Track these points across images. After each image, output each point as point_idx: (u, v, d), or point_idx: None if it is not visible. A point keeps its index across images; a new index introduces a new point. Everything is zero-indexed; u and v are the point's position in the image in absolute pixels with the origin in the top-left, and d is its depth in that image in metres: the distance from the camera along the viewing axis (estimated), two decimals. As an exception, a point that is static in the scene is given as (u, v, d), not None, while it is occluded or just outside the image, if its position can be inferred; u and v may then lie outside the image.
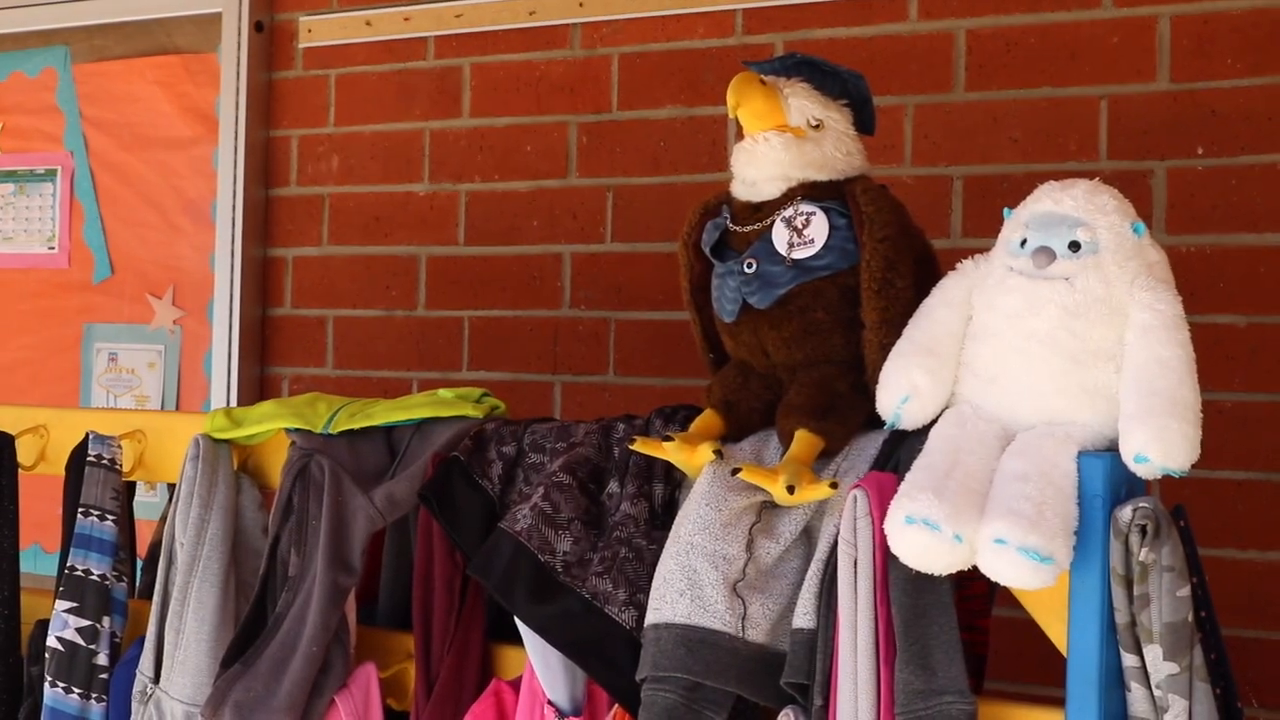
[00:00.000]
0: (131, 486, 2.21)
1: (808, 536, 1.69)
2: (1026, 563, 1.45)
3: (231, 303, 3.50)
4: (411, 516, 1.99)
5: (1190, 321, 1.58)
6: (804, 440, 1.67)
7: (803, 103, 1.78)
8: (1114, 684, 1.54)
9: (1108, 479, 1.53)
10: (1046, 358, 1.57)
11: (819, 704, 1.58)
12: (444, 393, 2.04)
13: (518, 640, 1.82)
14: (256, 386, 3.50)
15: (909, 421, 1.64)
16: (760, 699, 1.64)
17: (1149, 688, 1.52)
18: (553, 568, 1.76)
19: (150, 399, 3.64)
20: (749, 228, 1.78)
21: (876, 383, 1.67)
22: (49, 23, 3.79)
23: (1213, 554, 2.51)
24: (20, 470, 2.22)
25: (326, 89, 3.49)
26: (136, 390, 3.66)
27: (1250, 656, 2.51)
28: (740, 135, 1.82)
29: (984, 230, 2.71)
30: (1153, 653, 1.50)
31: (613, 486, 1.85)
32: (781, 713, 1.62)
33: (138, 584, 2.30)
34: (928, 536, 1.48)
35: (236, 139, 3.51)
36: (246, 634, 1.93)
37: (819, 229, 1.73)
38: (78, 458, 2.14)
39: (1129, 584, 1.51)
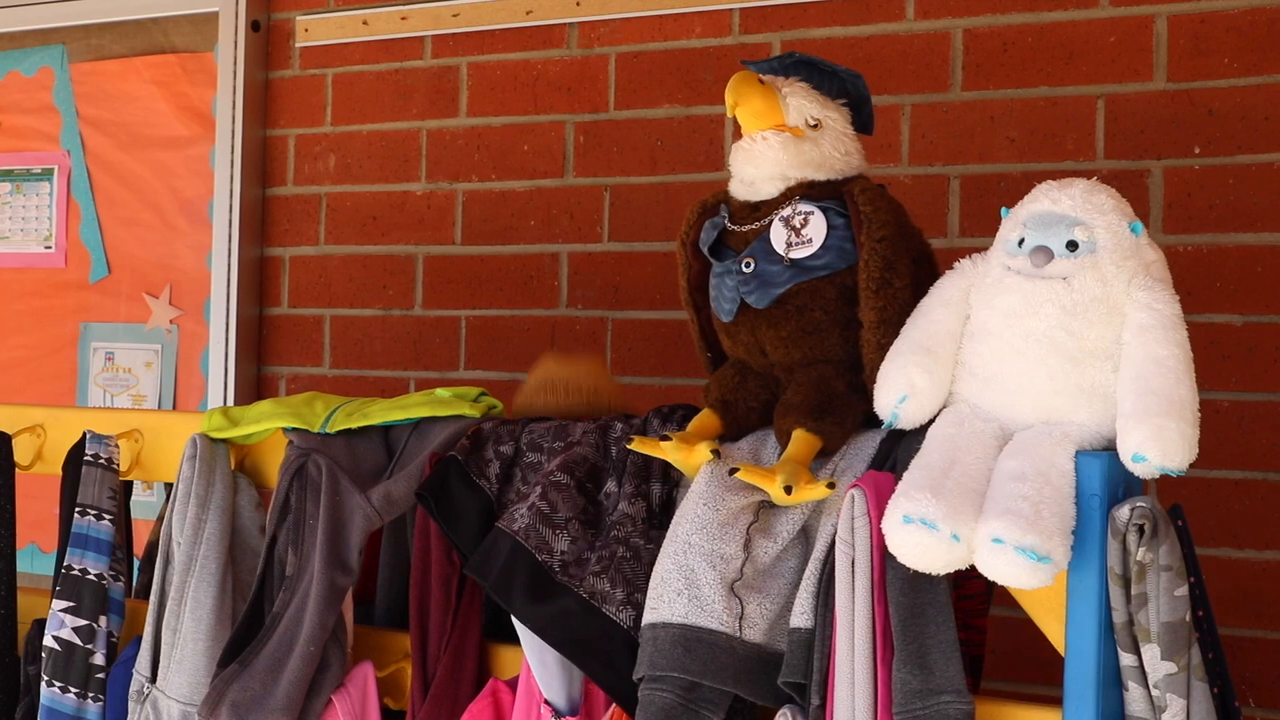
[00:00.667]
0: (128, 486, 2.21)
1: (805, 536, 1.69)
2: (1024, 562, 1.45)
3: (228, 302, 3.50)
4: (409, 516, 1.99)
5: (1188, 321, 1.58)
6: (801, 440, 1.67)
7: (801, 102, 1.78)
8: (1111, 683, 1.54)
9: (1105, 478, 1.53)
10: (1044, 357, 1.57)
11: (816, 703, 1.58)
12: (441, 392, 2.04)
13: (515, 640, 1.82)
14: (253, 386, 3.50)
15: (906, 421, 1.64)
16: (757, 698, 1.64)
17: (1146, 687, 1.52)
18: (550, 567, 1.76)
19: (147, 398, 3.64)
20: (747, 227, 1.78)
21: (874, 382, 1.67)
22: (46, 22, 3.79)
23: (1210, 553, 2.51)
24: (17, 469, 2.22)
25: (323, 88, 3.49)
26: (133, 390, 3.66)
27: (1247, 656, 2.52)
28: (738, 134, 1.81)
29: (981, 230, 2.71)
30: (1150, 652, 1.50)
31: (610, 486, 1.85)
32: (779, 712, 1.62)
33: (135, 583, 2.30)
34: (925, 536, 1.48)
35: (233, 138, 3.51)
36: (243, 633, 1.93)
37: (817, 229, 1.73)
38: (75, 457, 2.13)
39: (1126, 583, 1.51)
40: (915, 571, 1.52)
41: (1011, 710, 1.60)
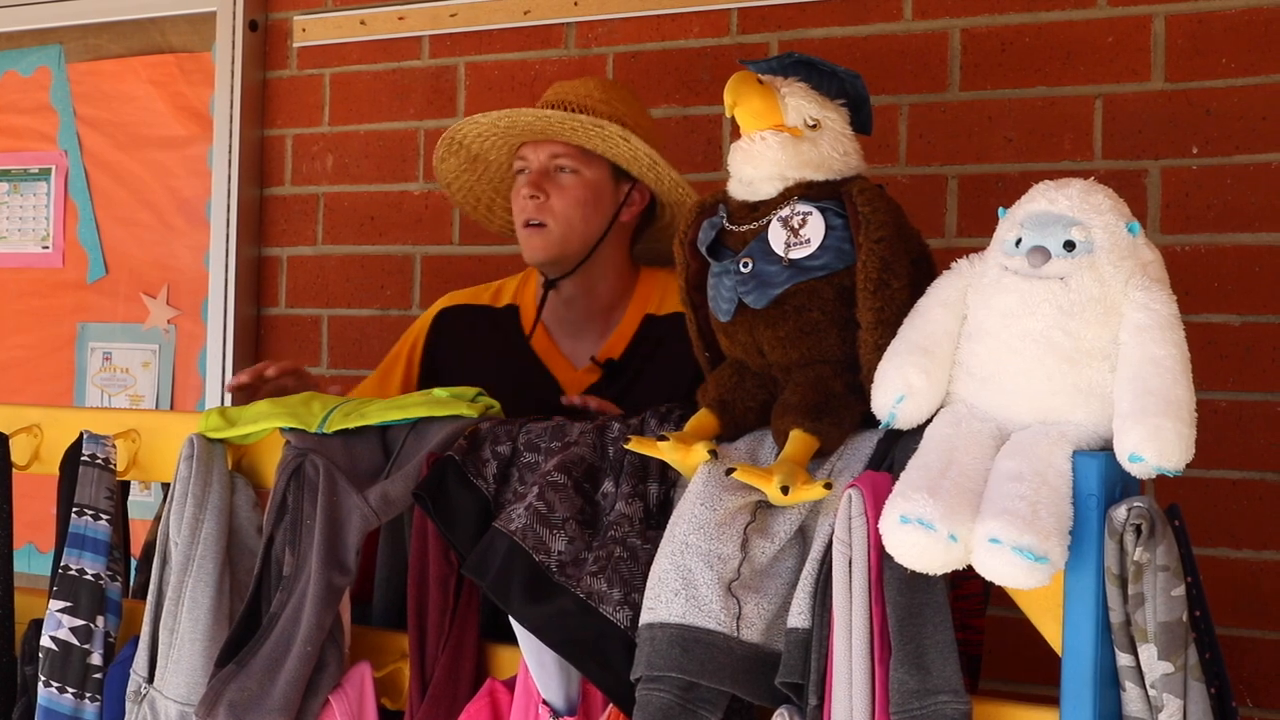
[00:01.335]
0: (126, 486, 2.21)
1: (803, 536, 1.69)
2: (1021, 562, 1.45)
3: (226, 302, 3.50)
4: (406, 516, 1.99)
5: (1185, 321, 1.58)
6: (799, 440, 1.67)
7: (800, 102, 1.78)
8: (1109, 683, 1.54)
9: (1102, 478, 1.53)
10: (1041, 357, 1.57)
11: (814, 703, 1.58)
12: (438, 392, 2.04)
13: (512, 640, 1.82)
14: (251, 386, 3.50)
15: (904, 421, 1.64)
16: (755, 698, 1.64)
17: (1144, 687, 1.52)
18: (547, 567, 1.76)
19: (144, 398, 3.64)
20: (745, 227, 1.78)
21: (871, 382, 1.66)
22: (43, 22, 3.79)
23: (1207, 553, 2.51)
24: (14, 469, 2.21)
25: (321, 88, 3.49)
26: (131, 389, 3.66)
27: (1245, 656, 2.52)
28: (737, 134, 1.81)
29: (979, 230, 2.71)
30: (1147, 652, 1.50)
31: (607, 486, 1.84)
32: (776, 712, 1.62)
33: (132, 583, 2.30)
34: (923, 536, 1.48)
35: (231, 138, 3.51)
36: (241, 633, 1.93)
37: (815, 229, 1.73)
38: (72, 457, 2.13)
39: (1124, 583, 1.51)
40: (912, 571, 1.52)
41: (1009, 710, 1.60)
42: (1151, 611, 1.50)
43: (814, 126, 1.78)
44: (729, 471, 1.66)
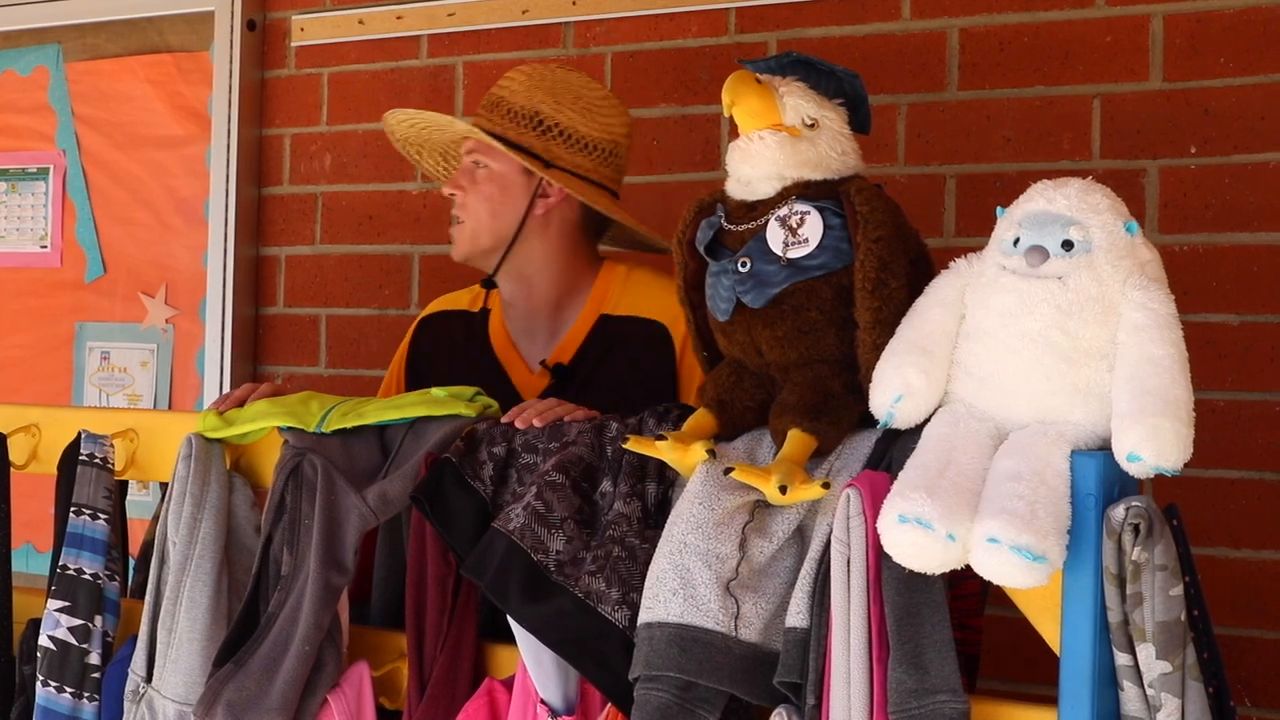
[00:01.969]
0: (124, 485, 2.21)
1: (801, 536, 1.69)
2: (1019, 562, 1.45)
3: (224, 301, 3.50)
4: (404, 515, 1.99)
5: (1183, 320, 1.58)
6: (797, 440, 1.67)
7: (798, 102, 1.78)
8: (1107, 683, 1.54)
9: (1100, 478, 1.53)
10: (1039, 357, 1.57)
11: (812, 703, 1.58)
12: (437, 392, 2.04)
13: (511, 639, 1.82)
14: (249, 386, 3.50)
15: (902, 421, 1.64)
16: (753, 698, 1.64)
17: (1142, 686, 1.52)
18: (546, 567, 1.76)
19: (143, 398, 3.64)
20: (743, 226, 1.78)
21: (870, 382, 1.66)
22: (41, 21, 3.79)
23: (1205, 553, 2.51)
24: (12, 469, 2.21)
25: (319, 87, 3.49)
26: (129, 389, 3.66)
27: (1243, 655, 2.52)
28: (735, 134, 1.81)
29: (977, 229, 2.71)
30: (1146, 651, 1.51)
31: (606, 486, 1.84)
32: (774, 712, 1.62)
33: (130, 583, 2.30)
34: (921, 535, 1.48)
35: (229, 138, 3.51)
36: (239, 633, 1.93)
37: (813, 228, 1.73)
38: (70, 457, 2.13)
39: (1122, 583, 1.51)
40: (911, 571, 1.52)
41: (1007, 710, 1.60)
42: (1150, 611, 1.50)
43: (812, 126, 1.78)
44: (727, 471, 1.66)
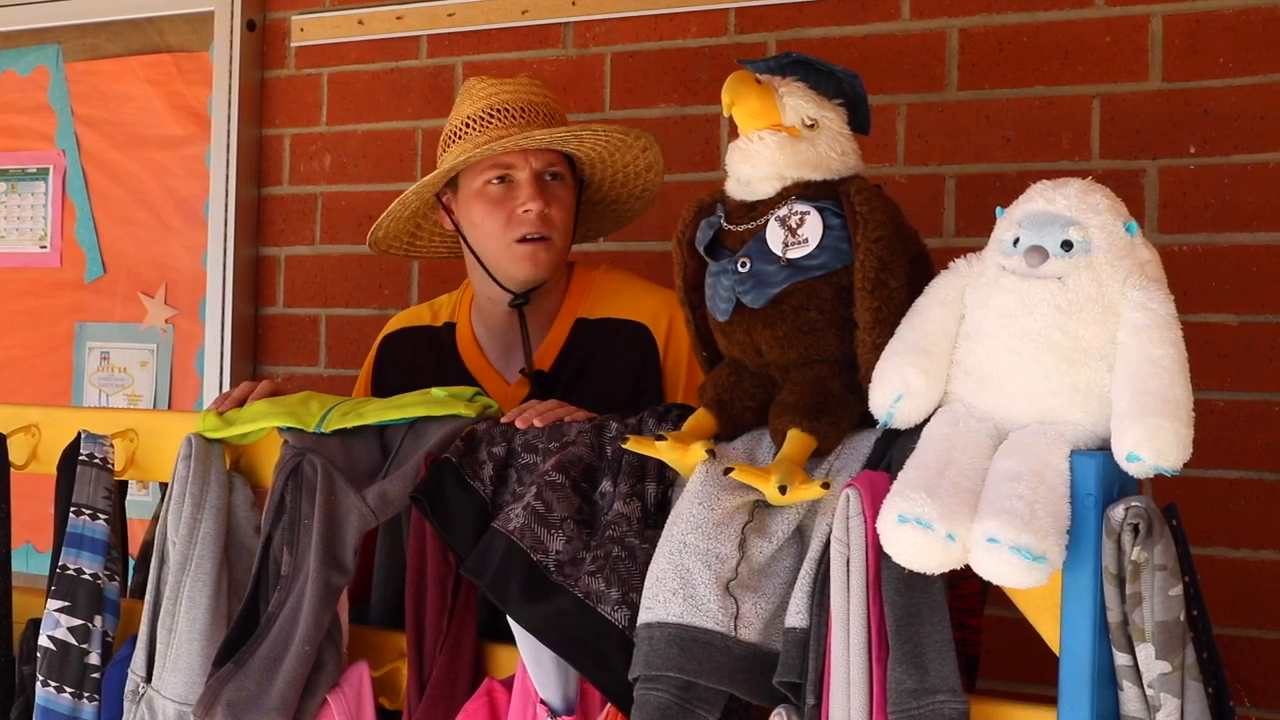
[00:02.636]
0: (124, 485, 2.21)
1: (800, 536, 1.69)
2: (1019, 562, 1.45)
3: (224, 301, 3.50)
4: (404, 515, 1.99)
5: (1182, 320, 1.58)
6: (797, 440, 1.67)
7: (798, 102, 1.78)
8: (1106, 683, 1.54)
9: (1100, 478, 1.53)
10: (1039, 357, 1.57)
11: (811, 703, 1.58)
12: (436, 392, 2.04)
13: (510, 639, 1.82)
14: (249, 386, 3.50)
15: (902, 420, 1.64)
16: (753, 698, 1.64)
17: (1141, 686, 1.52)
18: (545, 567, 1.76)
19: (142, 398, 3.64)
20: (743, 227, 1.78)
21: (869, 382, 1.66)
22: (41, 21, 3.79)
23: (1205, 553, 2.52)
24: (12, 469, 2.21)
25: (319, 88, 3.49)
26: (128, 389, 3.66)
27: (1242, 655, 2.52)
28: (735, 134, 1.81)
29: (977, 229, 2.71)
30: (1145, 651, 1.51)
31: (605, 486, 1.85)
32: (774, 712, 1.62)
33: (130, 583, 2.30)
34: (920, 535, 1.48)
35: (229, 138, 3.51)
36: (239, 633, 1.93)
37: (813, 228, 1.73)
38: (70, 457, 2.13)
39: (1121, 583, 1.51)
40: (910, 571, 1.52)
41: (1006, 710, 1.60)
42: (1149, 611, 1.50)
43: (812, 126, 1.78)
44: (727, 471, 1.66)
